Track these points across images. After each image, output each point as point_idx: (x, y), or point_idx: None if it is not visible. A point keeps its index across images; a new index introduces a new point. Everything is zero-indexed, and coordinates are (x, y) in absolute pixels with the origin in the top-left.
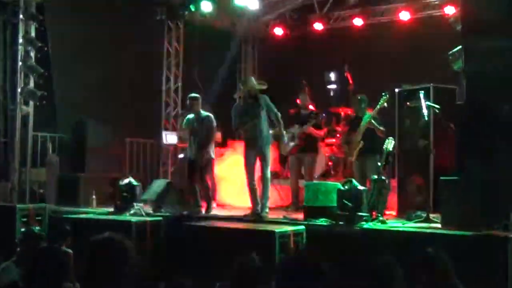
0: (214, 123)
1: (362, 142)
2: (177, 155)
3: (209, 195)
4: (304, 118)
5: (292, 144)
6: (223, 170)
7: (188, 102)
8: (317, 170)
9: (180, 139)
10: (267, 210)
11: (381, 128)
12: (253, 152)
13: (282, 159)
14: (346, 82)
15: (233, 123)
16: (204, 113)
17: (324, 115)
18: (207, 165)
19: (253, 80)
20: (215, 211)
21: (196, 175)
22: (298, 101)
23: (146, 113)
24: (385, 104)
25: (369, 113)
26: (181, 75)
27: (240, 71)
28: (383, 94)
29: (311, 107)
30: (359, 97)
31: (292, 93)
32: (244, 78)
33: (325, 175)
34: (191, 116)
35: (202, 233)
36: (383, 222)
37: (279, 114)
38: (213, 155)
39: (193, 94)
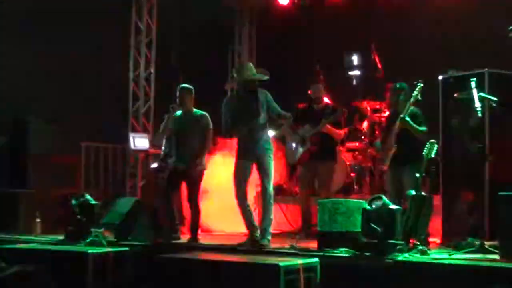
0: (211, 126)
1: (395, 146)
2: (149, 165)
3: (196, 221)
4: (317, 115)
5: (301, 150)
6: (208, 180)
7: (178, 94)
8: (336, 184)
9: (153, 143)
10: (269, 237)
11: (421, 128)
12: (248, 162)
13: (289, 170)
14: (373, 67)
15: (223, 126)
16: (198, 111)
17: (344, 110)
18: (197, 180)
19: (250, 68)
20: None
21: (177, 192)
22: (309, 92)
23: (108, 109)
24: (419, 97)
25: (412, 108)
26: (155, 59)
27: (233, 55)
28: (416, 83)
29: (326, 100)
30: (397, 86)
31: (302, 83)
32: (239, 64)
33: (346, 191)
34: (179, 113)
35: (183, 268)
36: (423, 252)
37: (286, 113)
38: (205, 166)
39: (185, 85)
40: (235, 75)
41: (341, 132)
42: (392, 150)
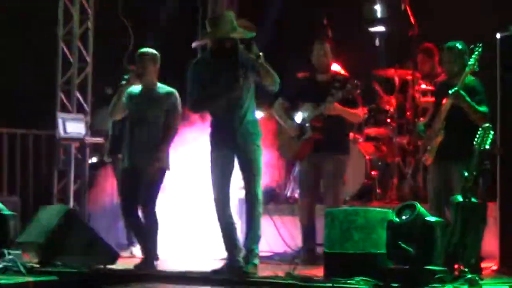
0: (180, 108)
1: (443, 132)
2: (86, 159)
3: (154, 238)
4: (321, 90)
5: (302, 137)
6: (171, 183)
7: (137, 61)
8: (349, 186)
9: (94, 127)
10: (256, 261)
11: (481, 108)
12: (227, 152)
13: (286, 167)
14: (405, 23)
15: (189, 97)
16: (164, 87)
17: (357, 82)
18: (156, 181)
19: (230, 20)
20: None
21: (131, 199)
22: (312, 59)
23: (26, 80)
24: (475, 66)
25: (471, 78)
26: (94, 9)
27: (205, 0)
28: (473, 47)
29: (336, 68)
30: (459, 46)
31: (302, 45)
32: (213, 15)
33: (364, 196)
34: (135, 90)
35: None
36: (473, 283)
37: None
38: (168, 164)
39: (147, 50)
40: (208, 29)
41: (359, 112)
42: (440, 138)
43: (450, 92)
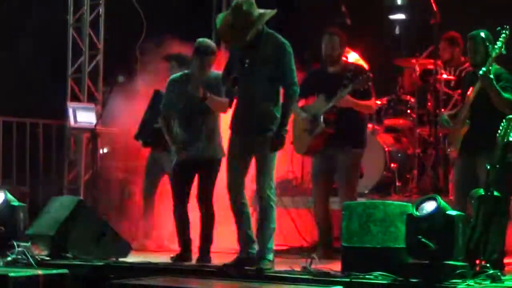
0: None
1: (469, 122)
2: (97, 149)
3: (210, 232)
4: (333, 82)
5: (315, 130)
6: None
7: (195, 50)
8: (368, 179)
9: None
10: (270, 256)
11: (507, 95)
12: (244, 140)
13: (299, 161)
14: (427, 11)
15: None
16: (214, 72)
17: (369, 75)
18: (215, 171)
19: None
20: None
21: (185, 194)
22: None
23: (36, 69)
24: (503, 49)
25: (497, 67)
26: None
27: None
28: (500, 29)
29: (355, 56)
30: (482, 34)
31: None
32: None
33: (383, 189)
34: (179, 76)
35: None
36: (495, 278)
37: (295, 84)
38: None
39: (206, 40)
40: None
41: (371, 103)
42: (465, 128)
43: (479, 73)
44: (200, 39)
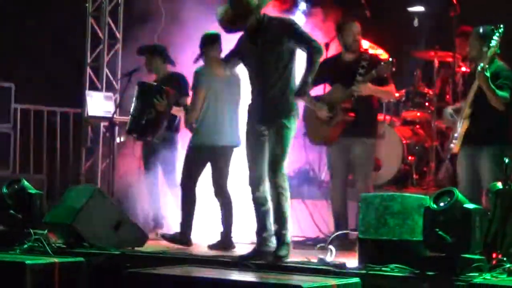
0: None
1: (469, 119)
2: (114, 138)
3: (230, 220)
4: (349, 70)
5: (333, 120)
6: None
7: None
8: (385, 171)
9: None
10: (287, 247)
11: (502, 93)
12: (259, 128)
13: (315, 151)
14: (446, 3)
15: None
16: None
17: (392, 61)
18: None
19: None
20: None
21: (197, 174)
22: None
23: (53, 57)
24: (496, 48)
25: (499, 63)
26: None
27: None
28: (493, 28)
29: (369, 47)
30: (480, 30)
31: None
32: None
33: (400, 181)
34: (207, 71)
35: None
36: (511, 273)
37: (315, 41)
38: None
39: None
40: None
41: (391, 89)
42: (466, 124)
43: (477, 69)
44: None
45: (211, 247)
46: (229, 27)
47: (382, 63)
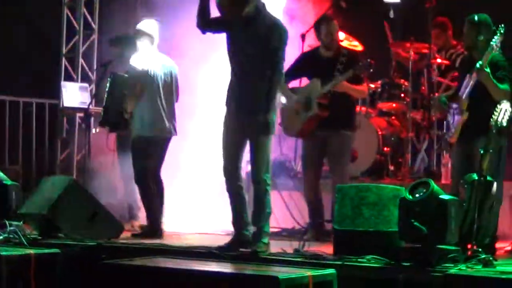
0: None
1: (466, 112)
2: (90, 129)
3: (161, 205)
4: (328, 66)
5: (307, 113)
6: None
7: None
8: (361, 162)
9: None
10: (266, 239)
11: (502, 86)
12: (238, 121)
13: (291, 143)
14: None
15: None
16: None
17: (370, 62)
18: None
19: None
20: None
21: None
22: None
23: (28, 48)
24: (497, 46)
25: (496, 54)
26: None
27: None
28: (494, 28)
29: (344, 39)
30: (475, 18)
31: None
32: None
33: (376, 173)
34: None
35: (138, 280)
36: (487, 263)
37: (281, 69)
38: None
39: None
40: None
41: (364, 88)
42: (464, 117)
43: (475, 67)
44: None
45: (135, 236)
46: (227, 8)
47: (361, 63)
